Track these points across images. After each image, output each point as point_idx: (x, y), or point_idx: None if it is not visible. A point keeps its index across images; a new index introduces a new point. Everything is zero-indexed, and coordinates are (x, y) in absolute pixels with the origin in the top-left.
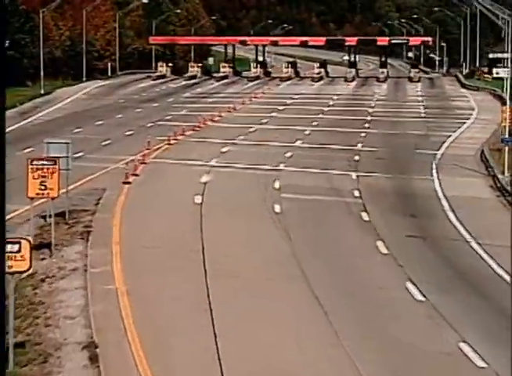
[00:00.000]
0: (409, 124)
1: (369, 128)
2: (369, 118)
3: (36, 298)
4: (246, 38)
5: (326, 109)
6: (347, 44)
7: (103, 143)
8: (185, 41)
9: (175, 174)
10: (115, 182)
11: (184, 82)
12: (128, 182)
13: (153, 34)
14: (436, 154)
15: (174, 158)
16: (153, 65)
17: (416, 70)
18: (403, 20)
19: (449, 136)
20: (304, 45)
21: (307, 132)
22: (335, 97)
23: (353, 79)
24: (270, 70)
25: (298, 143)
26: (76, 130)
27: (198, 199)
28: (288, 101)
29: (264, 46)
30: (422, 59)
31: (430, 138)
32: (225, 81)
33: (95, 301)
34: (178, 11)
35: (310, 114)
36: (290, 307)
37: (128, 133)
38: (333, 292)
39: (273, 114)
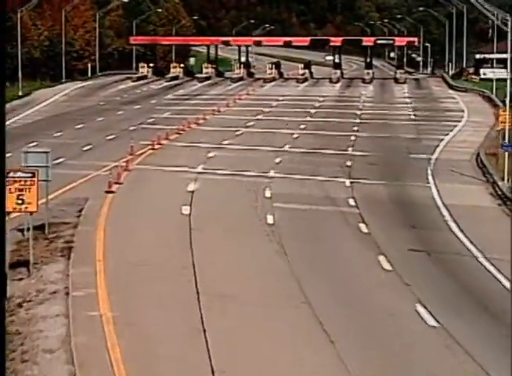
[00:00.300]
0: (399, 127)
1: (358, 131)
2: (357, 121)
3: (12, 326)
4: (230, 39)
5: (312, 111)
6: (331, 44)
7: (84, 148)
8: (167, 42)
9: (161, 182)
10: (97, 190)
11: (166, 83)
12: (112, 192)
13: (133, 34)
14: (430, 159)
15: (159, 164)
16: (134, 66)
17: (402, 70)
18: (386, 20)
19: (442, 140)
20: (287, 45)
21: (295, 136)
22: (321, 99)
23: (338, 80)
24: (253, 70)
25: (287, 148)
26: (56, 134)
27: (186, 209)
28: (274, 103)
29: (247, 46)
30: (405, 59)
31: (422, 141)
32: (208, 82)
33: (78, 331)
34: (159, 10)
35: (297, 117)
36: (291, 332)
37: (109, 137)
38: (339, 318)
39: (259, 117)
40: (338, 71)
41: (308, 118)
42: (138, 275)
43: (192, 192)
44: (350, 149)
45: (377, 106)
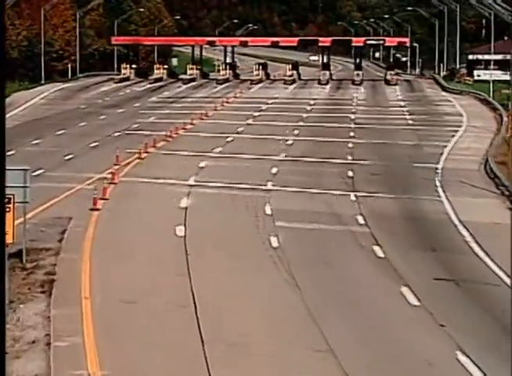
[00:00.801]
0: (396, 132)
1: (354, 137)
2: (352, 126)
3: None
4: (215, 39)
5: (304, 115)
6: (320, 44)
7: (66, 158)
8: (149, 42)
9: (150, 197)
10: (81, 208)
11: (149, 85)
12: (97, 209)
13: (114, 33)
14: (436, 169)
15: (147, 176)
16: (116, 66)
17: (392, 72)
18: (371, 20)
19: (445, 146)
20: (275, 45)
21: (289, 142)
22: (312, 102)
23: (327, 82)
24: (239, 71)
25: (282, 156)
26: (35, 141)
27: (180, 230)
28: (263, 106)
29: (233, 47)
30: (391, 59)
31: (423, 148)
32: (193, 84)
33: None
34: (141, 9)
35: (288, 121)
36: None
37: (92, 145)
38: (370, 371)
39: (249, 121)
40: (327, 72)
41: (301, 123)
42: (131, 317)
43: (186, 209)
44: (349, 157)
45: (371, 109)
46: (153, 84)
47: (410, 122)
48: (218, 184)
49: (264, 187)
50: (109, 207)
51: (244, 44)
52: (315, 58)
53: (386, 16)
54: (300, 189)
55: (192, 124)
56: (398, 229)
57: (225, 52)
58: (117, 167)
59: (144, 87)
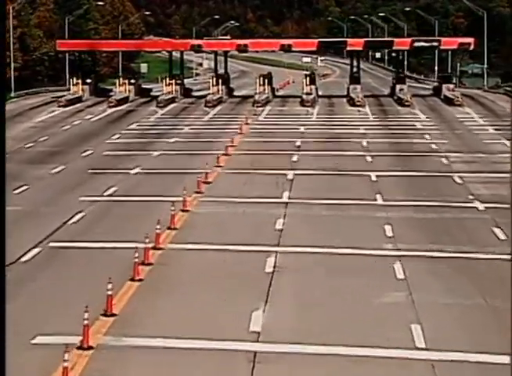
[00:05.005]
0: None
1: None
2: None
3: None
4: (201, 42)
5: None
6: (349, 48)
7: None
8: (110, 48)
9: None
10: None
11: (110, 110)
12: None
13: (65, 34)
14: None
15: None
16: (68, 77)
17: (451, 85)
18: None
19: None
20: (287, 50)
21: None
22: (365, 132)
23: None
24: (233, 86)
25: None
26: None
27: None
28: (294, 157)
29: (225, 53)
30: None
31: None
32: (173, 106)
33: None
34: (100, 3)
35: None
36: None
37: None
38: None
39: (284, 197)
40: (358, 87)
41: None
42: None
43: None
44: None
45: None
46: (117, 109)
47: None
48: None
49: None
50: None
51: (243, 49)
52: (308, 60)
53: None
54: None
55: (185, 209)
56: None
57: (216, 60)
58: None
59: (102, 114)
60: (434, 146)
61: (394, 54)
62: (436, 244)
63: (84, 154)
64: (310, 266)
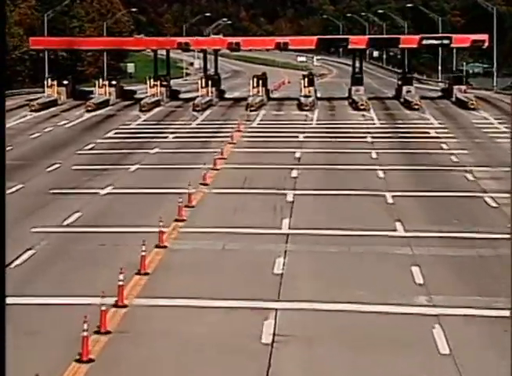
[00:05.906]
0: None
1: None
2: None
3: None
4: (188, 40)
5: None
6: (352, 46)
7: None
8: (90, 46)
9: None
10: None
11: (87, 115)
12: None
13: (52, 31)
14: None
15: None
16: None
17: (462, 86)
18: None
19: None
20: (283, 49)
21: None
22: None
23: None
24: (224, 87)
25: None
26: None
27: None
28: (293, 171)
29: (216, 52)
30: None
31: None
32: (157, 110)
33: None
34: None
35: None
36: None
37: None
38: None
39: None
40: (361, 89)
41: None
42: None
43: None
44: None
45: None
46: (95, 113)
47: None
48: None
49: None
50: None
51: (235, 48)
52: (304, 59)
53: (385, 11)
54: None
55: (175, 234)
56: None
57: (205, 60)
58: None
59: (78, 119)
60: (454, 158)
61: (391, 53)
62: (482, 296)
63: (49, 169)
64: (323, 333)
